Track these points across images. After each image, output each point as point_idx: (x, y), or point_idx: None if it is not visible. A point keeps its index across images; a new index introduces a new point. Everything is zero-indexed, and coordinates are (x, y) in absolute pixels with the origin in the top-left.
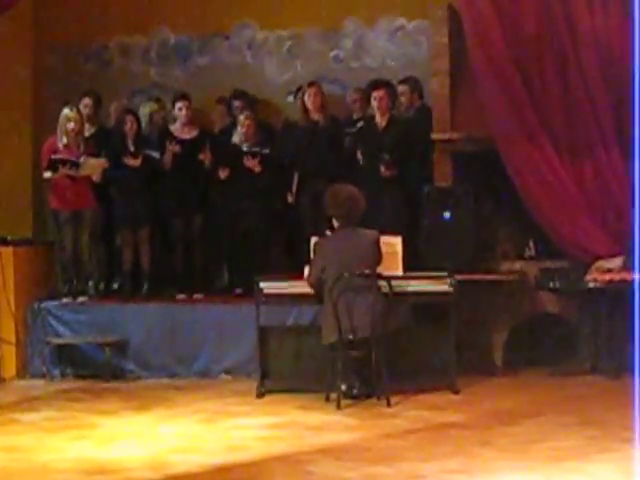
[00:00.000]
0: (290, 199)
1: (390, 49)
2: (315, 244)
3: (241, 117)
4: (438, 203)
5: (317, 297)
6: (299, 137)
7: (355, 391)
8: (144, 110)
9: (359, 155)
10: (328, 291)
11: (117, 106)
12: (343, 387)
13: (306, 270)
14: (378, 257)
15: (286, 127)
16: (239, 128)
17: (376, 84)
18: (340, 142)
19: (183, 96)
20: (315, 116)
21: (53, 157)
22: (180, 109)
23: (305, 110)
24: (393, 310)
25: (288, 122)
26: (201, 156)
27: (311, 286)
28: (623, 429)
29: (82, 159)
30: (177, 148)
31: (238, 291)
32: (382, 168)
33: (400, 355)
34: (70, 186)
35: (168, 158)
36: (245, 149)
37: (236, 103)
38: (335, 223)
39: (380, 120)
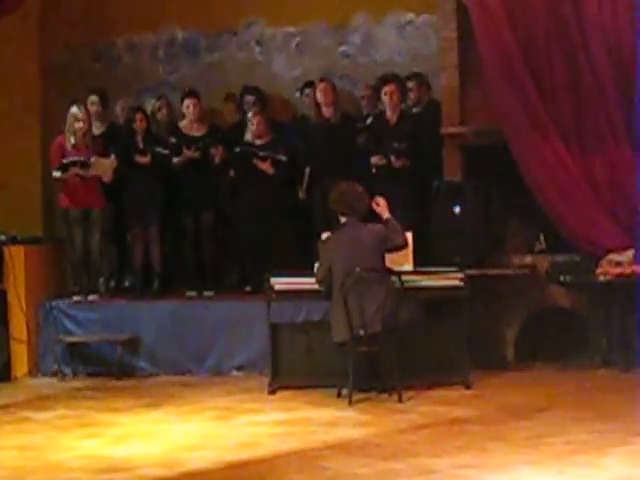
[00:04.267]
0: (301, 195)
1: (398, 44)
2: (320, 242)
3: (249, 114)
4: (448, 198)
5: (326, 294)
6: (310, 133)
7: (366, 385)
8: (148, 108)
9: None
10: (338, 287)
11: (123, 104)
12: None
13: (316, 266)
14: (386, 245)
15: (296, 123)
16: (249, 125)
17: (386, 79)
18: (351, 138)
19: (191, 93)
20: (326, 112)
21: (64, 161)
22: (187, 106)
23: (316, 106)
24: (404, 305)
25: (298, 117)
26: (212, 151)
27: (319, 283)
28: (635, 422)
29: (93, 159)
30: (197, 154)
31: (248, 288)
32: (392, 158)
33: (412, 350)
34: (80, 185)
35: (182, 160)
36: (262, 154)
37: (248, 98)
38: (341, 219)
39: (391, 115)
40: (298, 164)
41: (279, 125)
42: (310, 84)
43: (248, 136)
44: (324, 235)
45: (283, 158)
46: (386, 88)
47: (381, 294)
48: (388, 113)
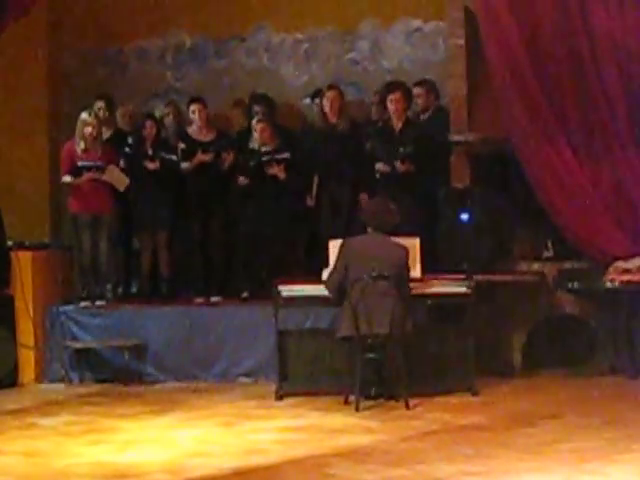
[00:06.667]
0: (310, 202)
1: (406, 51)
2: (342, 244)
3: (253, 122)
4: (455, 204)
5: (335, 300)
6: (318, 140)
7: (373, 392)
8: (156, 114)
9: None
10: (348, 292)
11: (124, 111)
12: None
13: (324, 273)
14: (405, 268)
15: (304, 129)
16: (254, 134)
17: (391, 87)
18: (359, 145)
19: (196, 100)
20: (333, 119)
21: (80, 164)
22: (193, 112)
23: (324, 113)
24: (411, 312)
25: (306, 125)
26: (224, 155)
27: (328, 288)
28: None
29: (110, 166)
30: (207, 157)
31: (245, 295)
32: (397, 163)
33: (419, 357)
34: (91, 190)
35: (193, 165)
36: (265, 158)
37: (256, 108)
38: (368, 229)
39: (396, 122)
40: (306, 171)
41: (287, 132)
42: (320, 92)
43: (254, 144)
44: (332, 242)
45: (286, 155)
46: (391, 96)
47: (390, 302)
48: (394, 121)
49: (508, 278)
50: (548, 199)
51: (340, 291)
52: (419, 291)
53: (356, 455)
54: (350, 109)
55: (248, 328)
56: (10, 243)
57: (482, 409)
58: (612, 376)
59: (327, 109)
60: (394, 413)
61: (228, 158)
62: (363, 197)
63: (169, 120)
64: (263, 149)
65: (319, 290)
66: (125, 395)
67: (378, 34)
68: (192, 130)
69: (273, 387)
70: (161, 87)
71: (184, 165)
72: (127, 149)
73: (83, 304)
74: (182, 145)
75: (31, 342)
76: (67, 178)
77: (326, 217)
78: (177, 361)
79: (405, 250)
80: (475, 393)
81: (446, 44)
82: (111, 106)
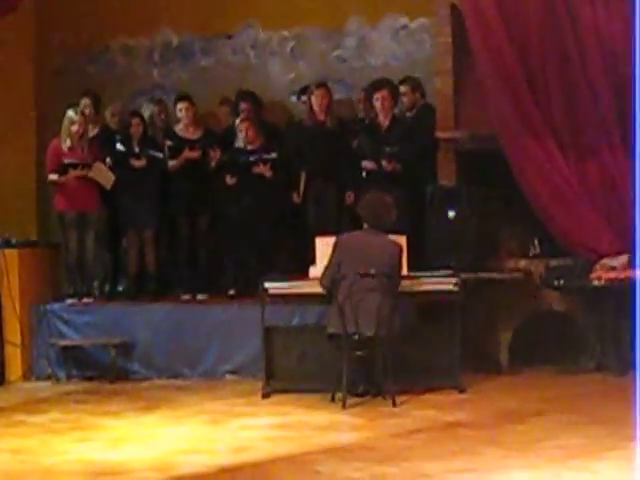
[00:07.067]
0: (296, 199)
1: (393, 48)
2: (336, 241)
3: (237, 121)
4: (442, 202)
5: (328, 295)
6: (305, 137)
7: (361, 389)
8: (145, 112)
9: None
10: (336, 289)
11: (113, 110)
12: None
13: (311, 270)
14: (397, 266)
15: (291, 127)
16: (238, 133)
17: (378, 84)
18: (346, 142)
19: (184, 97)
20: (321, 117)
21: (66, 162)
22: (181, 110)
23: (311, 110)
24: (398, 311)
25: (293, 122)
26: (211, 153)
27: (322, 284)
28: (629, 427)
29: (96, 164)
30: (195, 154)
31: (232, 292)
32: (384, 162)
33: (405, 354)
34: (77, 188)
35: (180, 162)
36: (252, 159)
37: (242, 105)
38: (364, 225)
39: (383, 120)
40: (293, 168)
41: (273, 129)
42: (307, 89)
43: (239, 143)
44: (319, 239)
45: (273, 155)
46: (377, 94)
47: (376, 300)
48: (380, 118)
49: (495, 275)
50: (535, 196)
51: (334, 288)
52: (406, 289)
53: (343, 452)
54: (337, 107)
55: (235, 325)
56: None
57: (469, 406)
58: (599, 373)
59: (316, 107)
60: (381, 410)
61: (215, 156)
62: (349, 195)
63: (159, 118)
64: (249, 147)
65: (306, 287)
66: (112, 393)
67: (365, 31)
68: (179, 128)
69: (260, 384)
70: (148, 85)
71: (171, 163)
72: (119, 146)
73: (70, 302)
74: (169, 143)
75: (18, 340)
76: (53, 176)
77: (313, 214)
78: (164, 359)
79: (399, 247)
80: (462, 390)
81: (433, 41)
82: (98, 103)
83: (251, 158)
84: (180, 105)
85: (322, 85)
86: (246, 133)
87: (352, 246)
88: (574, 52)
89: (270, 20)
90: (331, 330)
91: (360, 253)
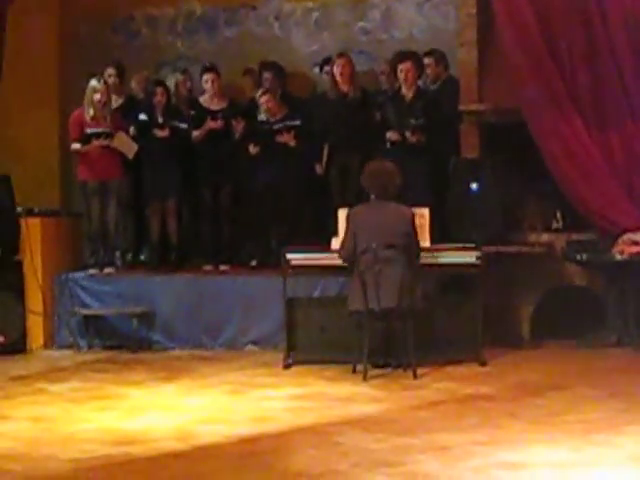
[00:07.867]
0: (319, 170)
1: (417, 20)
2: (347, 215)
3: (257, 94)
4: (465, 175)
5: (351, 268)
6: (328, 108)
7: (382, 361)
8: (170, 82)
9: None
10: (356, 262)
11: (139, 79)
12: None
13: (334, 241)
14: (413, 234)
15: (315, 98)
16: (260, 105)
17: (402, 56)
18: (369, 114)
19: (210, 68)
20: (344, 87)
21: (89, 131)
22: (206, 81)
23: (334, 81)
24: (420, 282)
25: (317, 93)
26: (234, 123)
27: (342, 258)
28: None
29: (118, 133)
30: (217, 124)
31: (254, 263)
32: (408, 134)
33: (427, 327)
34: (100, 157)
35: (203, 132)
36: (276, 126)
37: (266, 75)
38: (371, 196)
39: (407, 92)
40: (316, 139)
41: (297, 100)
42: (329, 60)
43: (262, 115)
44: (342, 211)
45: (297, 122)
46: (401, 66)
47: (398, 272)
48: (404, 90)
49: (517, 249)
50: (558, 169)
51: (354, 260)
52: (428, 261)
53: (363, 424)
54: (360, 78)
55: (257, 296)
56: (20, 209)
57: (490, 379)
58: (620, 347)
59: (338, 77)
60: (402, 382)
61: (238, 126)
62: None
63: (183, 88)
64: (272, 119)
65: (328, 258)
66: (133, 362)
67: (389, 3)
68: (204, 99)
69: (281, 355)
70: (172, 55)
71: (194, 133)
72: (142, 115)
73: (92, 271)
74: (193, 113)
75: (40, 309)
76: (76, 145)
77: (335, 186)
78: (185, 329)
79: (410, 213)
80: (483, 363)
81: (457, 13)
82: (123, 74)
83: (275, 126)
84: (206, 76)
85: (343, 54)
86: (267, 106)
87: (364, 219)
88: (598, 23)
89: None
90: (353, 307)
91: (373, 225)
